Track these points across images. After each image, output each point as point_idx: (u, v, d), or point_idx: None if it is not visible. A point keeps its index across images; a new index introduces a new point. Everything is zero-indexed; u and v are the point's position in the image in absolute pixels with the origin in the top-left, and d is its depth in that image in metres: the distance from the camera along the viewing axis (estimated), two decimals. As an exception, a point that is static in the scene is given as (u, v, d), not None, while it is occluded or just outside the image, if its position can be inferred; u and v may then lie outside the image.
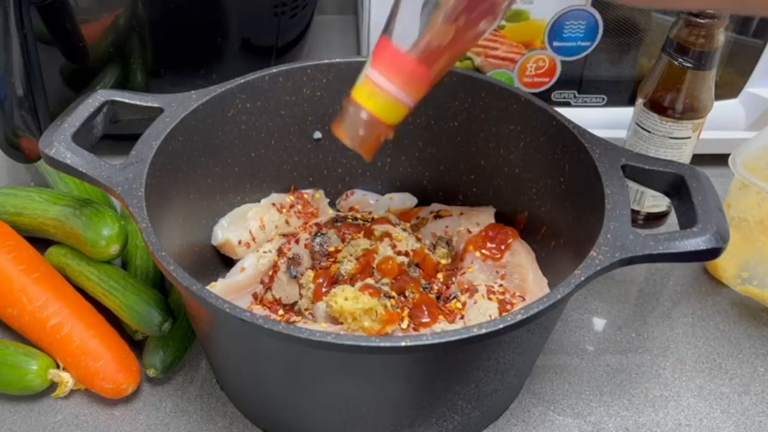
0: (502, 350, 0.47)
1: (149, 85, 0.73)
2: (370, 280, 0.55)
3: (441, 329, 0.54)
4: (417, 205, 0.68)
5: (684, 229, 0.47)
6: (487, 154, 0.63)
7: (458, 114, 0.63)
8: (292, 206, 0.66)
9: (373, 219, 0.62)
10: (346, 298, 0.53)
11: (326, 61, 0.62)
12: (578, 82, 0.75)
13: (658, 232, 0.47)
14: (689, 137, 0.64)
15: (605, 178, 0.51)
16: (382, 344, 0.40)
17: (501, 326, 0.41)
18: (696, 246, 0.46)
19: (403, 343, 0.40)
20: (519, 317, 0.42)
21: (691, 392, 0.58)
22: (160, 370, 0.56)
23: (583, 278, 0.44)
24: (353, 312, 0.52)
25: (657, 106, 0.64)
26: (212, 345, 0.53)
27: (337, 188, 0.69)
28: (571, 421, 0.56)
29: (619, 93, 0.76)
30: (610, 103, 0.76)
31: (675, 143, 0.65)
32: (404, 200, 0.68)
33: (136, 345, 0.58)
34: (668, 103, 0.63)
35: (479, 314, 0.55)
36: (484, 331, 0.41)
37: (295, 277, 0.58)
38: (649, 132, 0.65)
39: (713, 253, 0.46)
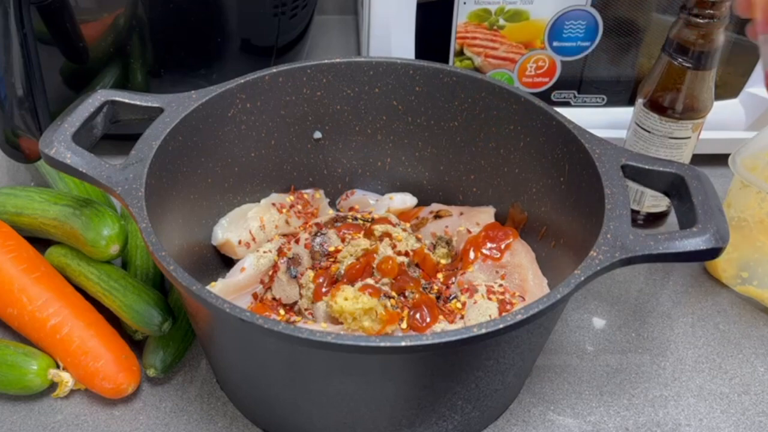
0: (502, 350, 0.47)
1: (149, 85, 0.73)
2: (370, 280, 0.55)
3: (441, 329, 0.54)
4: (417, 205, 0.68)
5: (684, 229, 0.47)
6: (487, 154, 0.63)
7: (458, 114, 0.63)
8: (292, 206, 0.66)
9: (373, 219, 0.62)
10: (346, 298, 0.53)
11: (326, 61, 0.62)
12: (578, 82, 0.75)
13: (658, 232, 0.47)
14: (689, 137, 0.64)
15: (605, 178, 0.51)
16: (382, 344, 0.40)
17: (501, 326, 0.41)
18: (696, 246, 0.46)
19: (403, 343, 0.40)
20: (519, 317, 0.42)
21: (691, 392, 0.58)
22: (160, 370, 0.56)
23: (583, 278, 0.44)
24: (353, 312, 0.52)
25: (657, 106, 0.64)
26: (212, 345, 0.53)
27: (337, 188, 0.69)
28: (571, 421, 0.56)
29: (619, 93, 0.76)
30: (610, 103, 0.76)
31: (675, 143, 0.65)
32: (404, 200, 0.68)
33: (136, 345, 0.58)
34: (668, 103, 0.63)
35: (479, 314, 0.55)
36: (484, 331, 0.41)
37: (295, 277, 0.58)
38: (649, 132, 0.65)
39: (713, 253, 0.46)
